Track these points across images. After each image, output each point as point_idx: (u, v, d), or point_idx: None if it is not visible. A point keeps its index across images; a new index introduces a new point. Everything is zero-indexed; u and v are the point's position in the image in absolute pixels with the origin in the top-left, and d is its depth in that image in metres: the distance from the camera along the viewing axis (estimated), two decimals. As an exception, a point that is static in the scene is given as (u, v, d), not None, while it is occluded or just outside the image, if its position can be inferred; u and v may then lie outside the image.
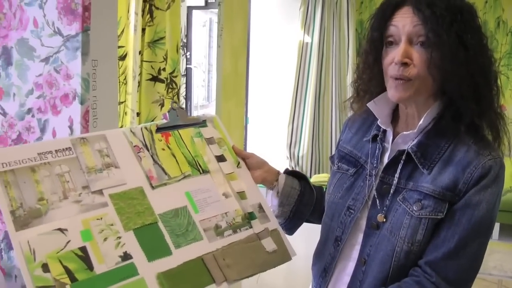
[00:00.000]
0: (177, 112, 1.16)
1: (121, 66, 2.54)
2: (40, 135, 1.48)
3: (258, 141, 4.66)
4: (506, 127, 1.03)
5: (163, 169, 1.07)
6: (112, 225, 0.93)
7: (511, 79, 4.66)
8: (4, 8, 1.49)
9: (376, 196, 1.06)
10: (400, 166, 1.04)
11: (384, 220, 1.03)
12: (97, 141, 1.02)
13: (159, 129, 1.12)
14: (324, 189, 1.27)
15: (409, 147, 1.03)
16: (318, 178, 4.82)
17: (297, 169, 3.61)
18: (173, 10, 2.78)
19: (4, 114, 1.53)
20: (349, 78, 4.86)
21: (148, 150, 1.08)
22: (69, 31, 1.40)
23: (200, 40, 5.17)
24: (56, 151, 0.96)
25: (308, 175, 4.99)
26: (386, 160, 1.08)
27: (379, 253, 1.02)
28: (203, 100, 5.71)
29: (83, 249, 0.88)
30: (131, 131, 1.08)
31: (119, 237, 0.92)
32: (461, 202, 0.97)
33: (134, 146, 1.06)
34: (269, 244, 1.08)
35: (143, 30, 2.71)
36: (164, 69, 2.76)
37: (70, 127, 1.44)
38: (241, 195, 1.13)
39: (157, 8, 2.70)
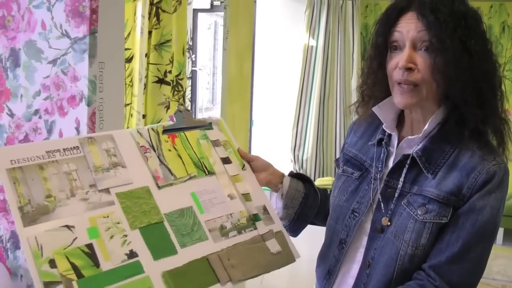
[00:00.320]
0: (184, 114, 1.17)
1: (128, 69, 2.55)
2: (47, 136, 1.50)
3: (262, 144, 4.66)
4: (511, 132, 1.04)
5: (169, 170, 1.07)
6: (118, 223, 0.94)
7: (516, 84, 4.65)
8: (13, 10, 1.50)
9: (380, 200, 1.06)
10: (405, 170, 1.04)
11: (389, 223, 1.04)
12: (104, 141, 1.03)
13: (166, 130, 1.13)
14: (329, 192, 1.27)
15: (414, 151, 1.04)
16: (322, 182, 4.82)
17: (301, 172, 3.61)
18: (180, 13, 2.79)
19: (12, 115, 1.54)
20: (354, 81, 4.87)
21: (155, 151, 1.09)
22: (77, 34, 1.42)
23: (205, 43, 5.18)
24: (64, 149, 0.97)
25: (312, 178, 4.99)
26: (391, 164, 1.09)
27: (383, 256, 1.03)
28: (207, 102, 5.72)
29: (89, 246, 0.89)
30: (138, 131, 1.10)
31: (125, 235, 0.93)
32: (465, 206, 0.98)
33: (141, 146, 1.07)
34: (273, 245, 1.09)
35: (150, 32, 2.72)
36: (170, 72, 2.77)
37: (77, 129, 1.45)
38: (246, 197, 1.14)
39: (164, 11, 2.71)
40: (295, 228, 1.25)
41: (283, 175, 1.25)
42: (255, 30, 3.28)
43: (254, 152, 2.93)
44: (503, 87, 1.03)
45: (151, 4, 2.68)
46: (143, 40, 2.64)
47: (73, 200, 0.93)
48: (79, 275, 0.85)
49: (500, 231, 3.86)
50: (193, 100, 3.90)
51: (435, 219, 0.99)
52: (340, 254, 1.12)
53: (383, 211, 1.05)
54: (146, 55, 2.72)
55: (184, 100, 2.89)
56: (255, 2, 3.24)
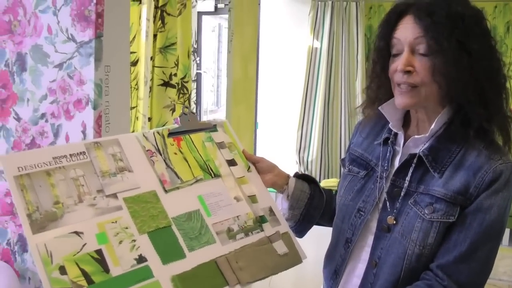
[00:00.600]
0: (189, 117, 1.18)
1: (133, 72, 2.56)
2: (54, 140, 1.50)
3: (267, 145, 4.66)
4: (517, 131, 1.04)
5: (175, 173, 1.08)
6: (127, 228, 0.94)
7: (521, 83, 4.63)
8: (19, 15, 1.51)
9: (386, 199, 1.07)
10: (411, 170, 1.04)
11: (395, 222, 1.04)
12: (110, 146, 1.03)
13: (171, 133, 1.14)
14: (334, 193, 1.28)
15: (421, 150, 1.04)
16: (327, 183, 4.81)
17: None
18: (185, 16, 2.80)
19: (18, 119, 1.55)
20: (358, 83, 4.86)
21: (161, 154, 1.09)
22: (83, 38, 1.42)
23: (209, 45, 5.19)
24: (70, 155, 0.98)
25: (317, 180, 4.98)
26: (397, 163, 1.09)
27: (390, 255, 1.03)
28: (212, 105, 5.73)
29: (99, 251, 0.89)
30: (143, 135, 1.10)
31: (134, 240, 0.94)
32: (473, 206, 0.98)
33: (147, 150, 1.08)
34: (280, 247, 1.09)
35: (155, 36, 2.73)
36: (175, 75, 2.78)
37: (83, 132, 1.46)
38: (252, 198, 1.14)
39: (169, 14, 2.72)
40: (301, 229, 1.26)
41: (288, 176, 1.26)
42: (259, 32, 3.28)
43: (259, 154, 2.93)
44: (507, 86, 1.03)
45: (156, 7, 2.70)
46: (148, 43, 2.65)
47: (81, 206, 0.93)
48: (90, 281, 0.86)
49: (507, 232, 3.84)
50: (198, 102, 3.91)
51: (442, 219, 0.99)
52: (346, 253, 1.12)
53: (389, 210, 1.06)
54: (151, 58, 2.73)
55: (189, 103, 2.89)
56: (259, 4, 3.24)
